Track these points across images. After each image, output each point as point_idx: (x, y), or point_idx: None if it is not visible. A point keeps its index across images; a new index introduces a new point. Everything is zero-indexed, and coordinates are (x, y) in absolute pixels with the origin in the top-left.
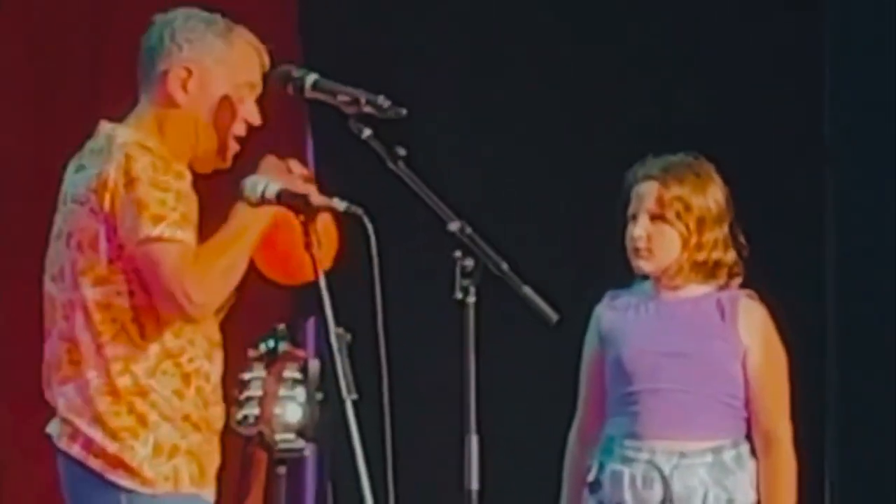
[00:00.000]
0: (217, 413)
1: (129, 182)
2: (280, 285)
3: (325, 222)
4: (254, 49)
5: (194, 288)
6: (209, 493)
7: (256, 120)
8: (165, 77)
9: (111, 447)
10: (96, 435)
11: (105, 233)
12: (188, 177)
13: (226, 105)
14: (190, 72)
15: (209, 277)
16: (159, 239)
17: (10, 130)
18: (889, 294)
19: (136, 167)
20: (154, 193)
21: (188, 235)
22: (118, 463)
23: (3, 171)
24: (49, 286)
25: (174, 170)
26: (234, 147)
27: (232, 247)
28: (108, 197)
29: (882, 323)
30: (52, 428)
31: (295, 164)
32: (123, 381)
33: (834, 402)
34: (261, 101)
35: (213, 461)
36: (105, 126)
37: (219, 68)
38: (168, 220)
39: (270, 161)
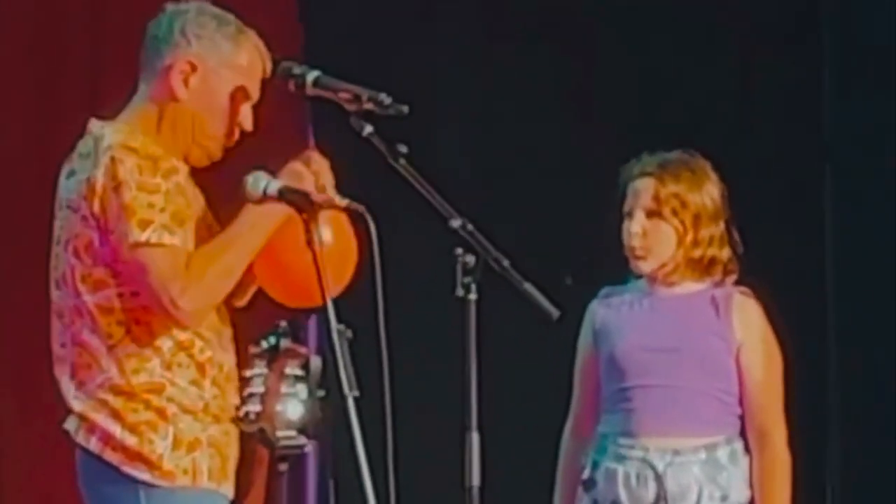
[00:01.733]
0: (234, 402)
1: (116, 186)
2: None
3: (345, 241)
4: (259, 57)
5: (181, 294)
6: (228, 488)
7: (249, 126)
8: (169, 70)
9: (130, 440)
10: (115, 429)
11: (99, 238)
12: (181, 170)
13: (224, 106)
14: (194, 67)
15: (198, 284)
16: (147, 244)
17: (9, 128)
18: (889, 290)
19: (121, 171)
20: (141, 197)
21: (177, 238)
22: (137, 456)
23: (5, 170)
24: (54, 292)
25: (163, 168)
26: (225, 146)
27: (227, 252)
28: (97, 202)
29: (882, 319)
30: (70, 424)
31: (315, 158)
32: (139, 379)
33: (834, 399)
34: (262, 99)
35: (234, 453)
36: (94, 125)
37: (223, 70)
38: (155, 223)
39: (291, 167)
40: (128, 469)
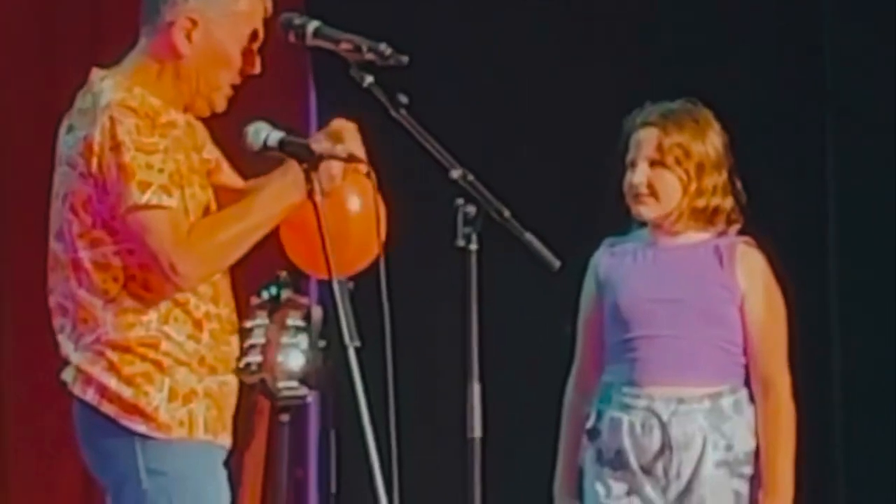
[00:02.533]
0: (232, 350)
1: (115, 147)
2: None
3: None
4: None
5: (180, 259)
6: (224, 438)
7: (257, 69)
8: (170, 27)
9: (126, 392)
10: (110, 381)
11: (96, 195)
12: (179, 124)
13: (229, 55)
14: (195, 23)
15: (199, 250)
16: (146, 206)
17: (12, 85)
18: (891, 242)
19: (120, 130)
20: (140, 158)
21: (174, 200)
22: (133, 408)
23: (7, 127)
24: (53, 244)
25: (160, 124)
26: (229, 93)
27: (236, 225)
28: (94, 161)
29: (885, 271)
30: (67, 374)
31: (347, 128)
32: (135, 334)
33: (838, 348)
34: (263, 50)
35: (231, 404)
36: (95, 77)
37: (223, 19)
38: (154, 185)
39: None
40: (124, 421)
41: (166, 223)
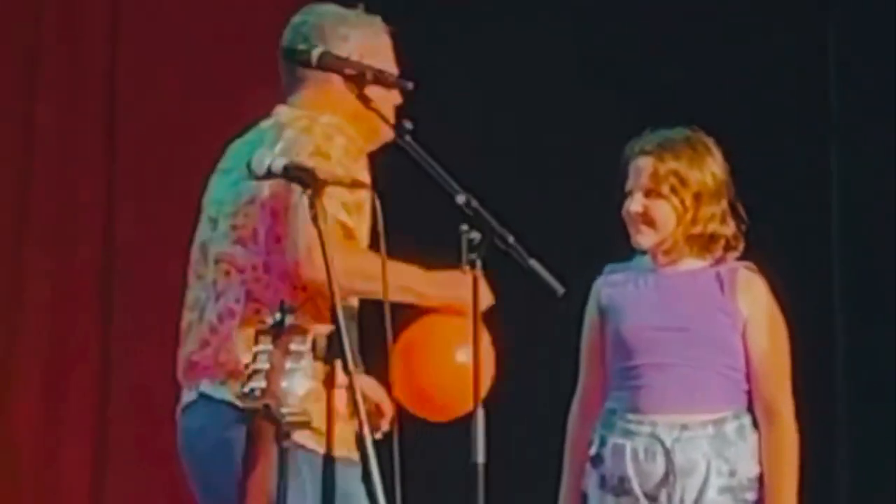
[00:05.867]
0: None
1: (322, 155)
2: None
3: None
4: (389, 35)
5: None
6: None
7: (399, 99)
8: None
9: None
10: None
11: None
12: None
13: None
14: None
15: (349, 258)
16: None
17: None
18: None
19: (331, 145)
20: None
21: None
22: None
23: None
24: (235, 248)
25: (360, 164)
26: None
27: (382, 276)
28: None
29: (890, 296)
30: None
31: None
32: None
33: (842, 375)
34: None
35: None
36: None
37: (379, 38)
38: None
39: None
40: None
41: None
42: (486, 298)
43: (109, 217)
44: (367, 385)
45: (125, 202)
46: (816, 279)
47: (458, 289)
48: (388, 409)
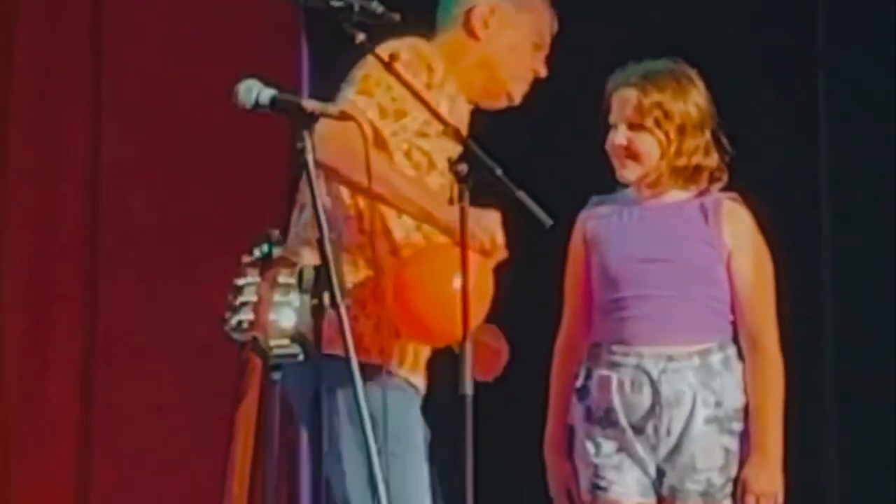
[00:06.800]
0: None
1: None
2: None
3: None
4: (548, 11)
5: None
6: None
7: (543, 72)
8: (470, 12)
9: None
10: None
11: None
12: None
13: (518, 49)
14: (493, 10)
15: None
16: None
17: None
18: (885, 196)
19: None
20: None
21: None
22: None
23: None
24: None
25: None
26: (522, 88)
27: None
28: None
29: (878, 223)
30: None
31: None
32: None
33: (829, 300)
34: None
35: None
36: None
37: (519, 15)
38: None
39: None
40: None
41: None
42: (501, 251)
43: (94, 144)
44: (490, 334)
45: (110, 131)
46: (805, 212)
47: (449, 213)
48: (505, 356)
